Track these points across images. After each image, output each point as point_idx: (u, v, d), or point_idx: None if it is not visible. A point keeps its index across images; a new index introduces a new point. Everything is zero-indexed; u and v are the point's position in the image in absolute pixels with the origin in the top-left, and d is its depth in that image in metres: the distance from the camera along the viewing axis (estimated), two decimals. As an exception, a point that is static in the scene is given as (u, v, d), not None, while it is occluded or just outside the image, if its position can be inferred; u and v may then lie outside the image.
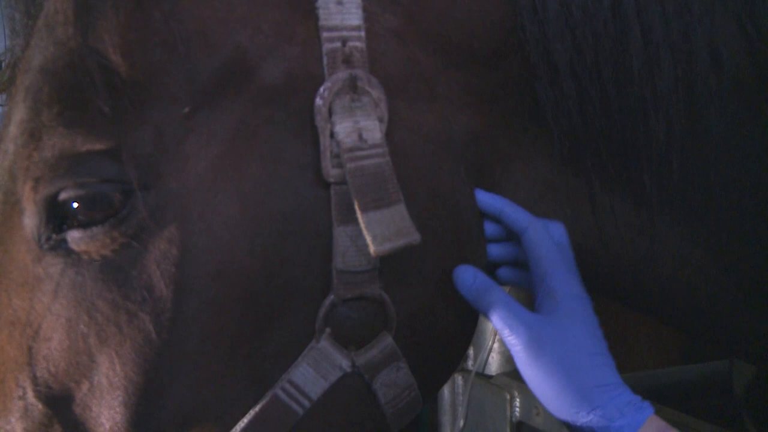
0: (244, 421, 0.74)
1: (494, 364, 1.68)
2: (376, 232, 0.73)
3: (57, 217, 0.73)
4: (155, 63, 0.71)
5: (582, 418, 0.76)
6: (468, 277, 0.81)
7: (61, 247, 0.73)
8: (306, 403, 0.76)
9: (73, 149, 0.71)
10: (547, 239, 0.83)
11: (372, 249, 0.72)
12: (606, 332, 0.82)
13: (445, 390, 1.72)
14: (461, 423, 1.68)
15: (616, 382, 0.77)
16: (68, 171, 0.71)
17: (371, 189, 0.74)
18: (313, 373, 0.75)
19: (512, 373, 1.67)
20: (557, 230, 0.85)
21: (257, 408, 0.74)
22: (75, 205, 0.71)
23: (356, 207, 0.73)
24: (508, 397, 1.60)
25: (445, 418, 1.74)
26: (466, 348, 0.88)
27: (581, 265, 0.86)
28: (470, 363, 1.72)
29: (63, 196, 0.72)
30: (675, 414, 1.39)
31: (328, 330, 0.76)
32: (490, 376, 1.66)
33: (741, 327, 0.95)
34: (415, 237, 0.74)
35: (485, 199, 0.84)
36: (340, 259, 0.75)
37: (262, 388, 0.75)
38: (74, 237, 0.72)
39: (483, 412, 1.66)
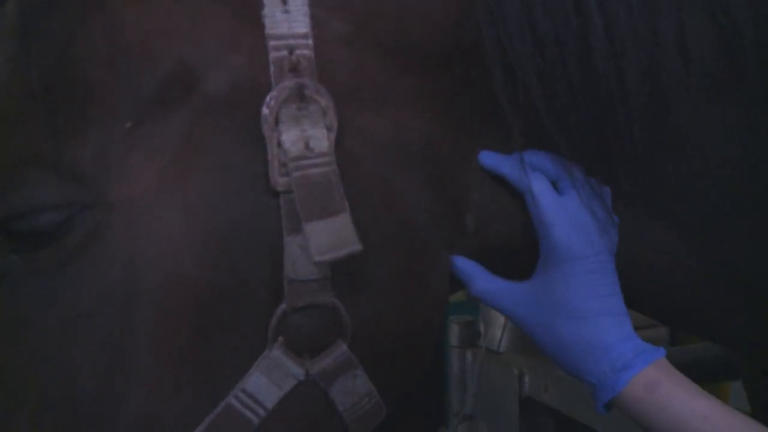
0: (199, 429, 0.74)
1: (505, 341, 1.68)
2: (319, 241, 0.72)
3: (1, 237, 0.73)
4: (96, 78, 0.71)
5: (579, 378, 0.84)
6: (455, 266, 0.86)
7: (2, 263, 0.73)
8: (261, 412, 0.76)
9: (16, 169, 0.72)
10: (550, 199, 0.84)
11: (314, 258, 0.72)
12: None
13: (455, 365, 1.73)
14: (471, 399, 1.69)
15: (604, 343, 0.81)
16: (10, 194, 0.72)
17: (317, 198, 0.73)
18: (267, 381, 0.76)
19: (522, 349, 1.66)
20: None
21: (212, 416, 0.75)
22: (18, 231, 0.72)
23: (301, 216, 0.73)
24: (517, 373, 1.60)
25: (454, 393, 1.75)
26: (429, 354, 0.88)
27: None
28: (481, 339, 1.72)
29: (11, 227, 0.72)
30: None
31: (280, 339, 0.76)
32: (500, 353, 1.66)
33: (722, 318, 0.95)
34: (356, 246, 0.73)
35: (487, 161, 0.85)
36: (291, 268, 0.74)
37: (217, 397, 0.75)
38: (18, 253, 0.73)
39: (492, 388, 1.67)
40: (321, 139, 0.74)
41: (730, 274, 0.92)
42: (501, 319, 1.68)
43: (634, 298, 0.96)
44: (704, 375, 1.74)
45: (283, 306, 0.75)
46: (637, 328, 0.89)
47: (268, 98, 0.74)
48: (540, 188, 0.84)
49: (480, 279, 0.86)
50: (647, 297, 0.96)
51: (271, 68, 0.74)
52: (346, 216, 0.74)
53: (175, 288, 0.73)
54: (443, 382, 1.87)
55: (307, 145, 0.74)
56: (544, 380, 1.57)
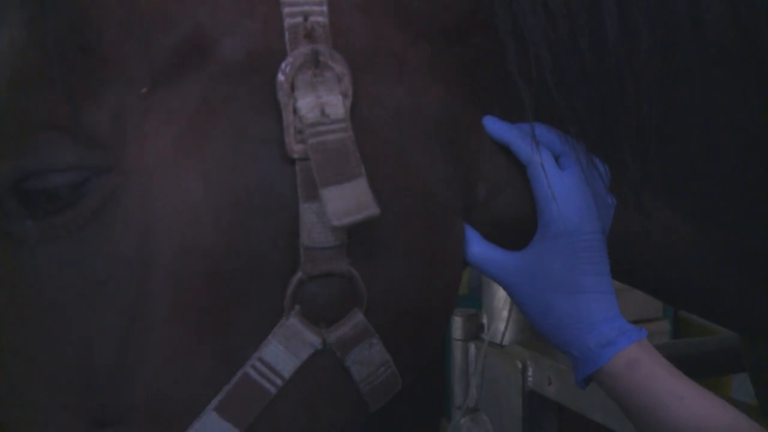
0: (217, 399, 0.74)
1: (508, 334, 1.67)
2: (336, 206, 0.72)
3: (17, 200, 0.73)
4: (112, 42, 0.71)
5: (562, 350, 0.84)
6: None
7: (16, 228, 0.73)
8: (278, 381, 0.75)
9: (33, 132, 0.71)
10: (552, 172, 0.84)
11: (332, 223, 0.72)
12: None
13: (458, 358, 1.73)
14: (474, 391, 1.68)
15: (591, 319, 0.82)
16: (27, 155, 0.71)
17: (333, 164, 0.73)
18: (284, 350, 0.75)
19: (525, 342, 1.66)
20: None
21: (229, 386, 0.74)
22: (34, 192, 0.71)
23: (317, 181, 0.72)
24: (521, 366, 1.60)
25: (457, 386, 1.74)
26: (445, 324, 0.88)
27: None
28: (484, 332, 1.72)
29: (25, 186, 0.71)
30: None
31: (297, 307, 0.75)
32: (503, 346, 1.66)
33: (730, 299, 0.95)
34: (374, 210, 0.73)
35: (493, 128, 0.85)
36: (307, 236, 0.74)
37: (234, 366, 0.75)
38: (33, 219, 0.72)
39: (495, 381, 1.66)
40: (337, 105, 0.74)
41: (741, 254, 0.92)
42: (504, 312, 1.67)
43: (638, 278, 0.96)
44: (706, 368, 1.75)
45: (299, 274, 0.74)
46: (638, 321, 0.89)
47: (283, 65, 0.73)
48: (543, 161, 0.84)
49: (475, 244, 0.86)
50: (653, 277, 0.96)
51: (286, 35, 0.74)
52: (362, 180, 0.73)
53: (191, 255, 0.72)
54: (446, 375, 1.87)
55: (322, 112, 0.73)
56: (547, 373, 1.57)
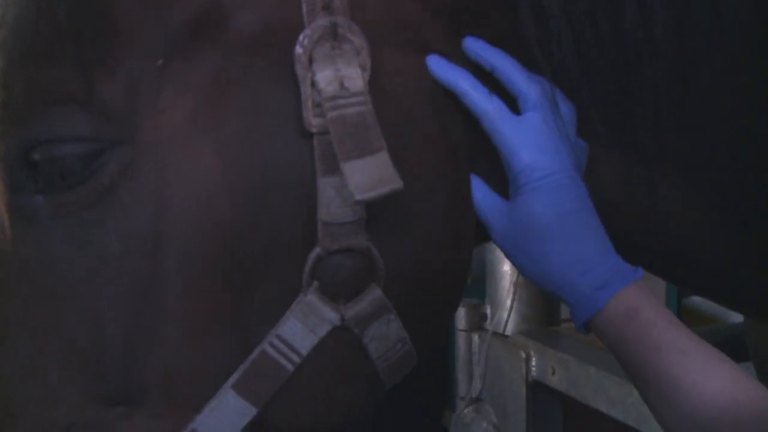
0: (234, 377, 0.73)
1: (511, 324, 1.67)
2: (358, 180, 0.71)
3: (27, 173, 0.72)
4: (126, 14, 0.70)
5: (557, 297, 0.81)
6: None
7: (27, 203, 0.72)
8: (296, 358, 0.75)
9: (46, 104, 0.70)
10: (509, 121, 0.80)
11: (355, 197, 0.71)
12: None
13: (461, 349, 1.72)
14: (478, 382, 1.68)
15: (582, 260, 0.78)
16: (38, 125, 0.70)
17: (353, 137, 0.72)
18: (302, 327, 0.74)
19: (529, 333, 1.66)
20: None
21: (246, 364, 0.74)
22: (45, 164, 0.71)
23: (338, 156, 0.72)
24: (524, 356, 1.59)
25: (461, 377, 1.74)
26: (458, 300, 0.87)
27: None
28: (488, 322, 1.71)
29: (35, 156, 0.71)
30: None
31: (315, 283, 0.74)
32: (507, 336, 1.66)
33: (741, 282, 0.94)
34: (398, 183, 0.72)
35: (437, 70, 0.79)
36: (325, 211, 0.73)
37: (250, 344, 0.74)
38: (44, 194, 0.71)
39: (499, 371, 1.66)
40: (356, 78, 0.73)
41: (755, 239, 0.91)
42: (507, 302, 1.67)
43: (652, 261, 0.95)
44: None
45: (317, 250, 0.74)
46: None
47: (301, 37, 0.73)
48: (496, 111, 0.80)
49: (477, 190, 0.83)
50: (671, 263, 0.95)
51: (304, 7, 0.73)
52: (384, 154, 0.72)
53: (206, 231, 0.71)
54: (449, 366, 1.86)
55: (341, 85, 0.73)
56: (551, 363, 1.57)
